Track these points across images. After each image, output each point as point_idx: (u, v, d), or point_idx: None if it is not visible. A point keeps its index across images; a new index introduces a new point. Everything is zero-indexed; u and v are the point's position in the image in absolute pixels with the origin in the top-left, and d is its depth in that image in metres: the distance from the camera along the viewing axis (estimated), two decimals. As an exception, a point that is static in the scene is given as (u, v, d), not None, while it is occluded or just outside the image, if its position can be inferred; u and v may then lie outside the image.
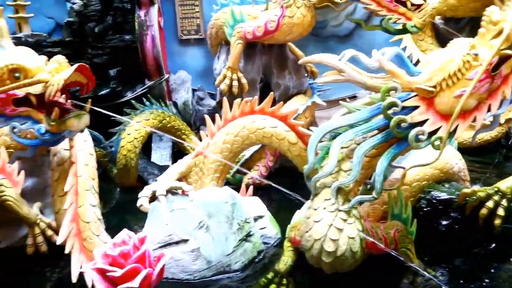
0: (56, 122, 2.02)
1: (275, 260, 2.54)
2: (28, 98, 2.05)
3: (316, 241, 1.98)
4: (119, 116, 3.42)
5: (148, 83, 4.51)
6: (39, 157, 2.91)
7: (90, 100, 2.23)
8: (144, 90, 4.44)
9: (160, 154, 4.33)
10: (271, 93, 2.91)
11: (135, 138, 3.69)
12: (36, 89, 2.03)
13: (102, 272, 1.55)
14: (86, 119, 2.12)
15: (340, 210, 1.99)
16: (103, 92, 4.41)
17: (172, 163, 4.39)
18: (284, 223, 2.76)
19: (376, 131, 2.01)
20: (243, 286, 2.40)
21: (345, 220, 1.98)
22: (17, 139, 2.12)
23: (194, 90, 4.79)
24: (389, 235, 2.22)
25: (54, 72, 2.02)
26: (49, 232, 2.76)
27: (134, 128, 3.68)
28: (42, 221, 2.75)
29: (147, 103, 3.88)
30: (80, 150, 2.36)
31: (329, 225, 1.97)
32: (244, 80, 3.74)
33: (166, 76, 4.59)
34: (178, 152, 4.49)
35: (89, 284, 2.24)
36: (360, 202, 2.10)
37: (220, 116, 2.97)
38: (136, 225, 3.46)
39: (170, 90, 4.68)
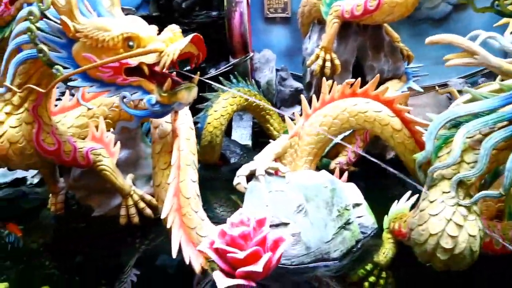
0: (168, 94, 1.96)
1: (373, 251, 2.43)
2: (140, 67, 2.00)
3: (431, 236, 1.84)
4: (227, 88, 3.38)
5: (233, 60, 4.44)
6: (133, 129, 2.92)
7: (198, 72, 2.16)
8: (229, 68, 4.38)
9: (241, 133, 4.27)
10: (377, 75, 2.75)
11: (221, 116, 3.64)
12: (149, 59, 1.97)
13: (219, 252, 1.48)
14: (195, 92, 2.06)
15: (460, 205, 1.84)
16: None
17: (252, 143, 4.34)
18: (374, 213, 2.66)
19: (506, 122, 1.83)
20: (341, 276, 2.29)
21: (465, 217, 1.83)
22: (126, 109, 2.08)
23: (277, 70, 4.68)
24: (507, 235, 2.05)
25: (168, 42, 1.96)
26: (142, 205, 2.77)
27: (221, 105, 3.63)
28: (135, 193, 2.76)
29: (234, 80, 3.81)
30: (182, 123, 2.32)
31: (447, 220, 1.82)
32: (337, 62, 3.58)
33: (251, 54, 4.50)
34: (258, 132, 4.42)
35: (186, 260, 2.22)
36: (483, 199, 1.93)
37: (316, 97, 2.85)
38: (216, 203, 3.45)
39: (254, 69, 4.59)
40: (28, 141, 2.44)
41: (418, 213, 1.97)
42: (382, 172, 3.74)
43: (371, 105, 2.69)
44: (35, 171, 3.63)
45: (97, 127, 2.74)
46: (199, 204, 2.30)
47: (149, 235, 2.82)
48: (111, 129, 2.80)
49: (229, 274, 1.46)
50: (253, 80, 4.51)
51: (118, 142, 2.78)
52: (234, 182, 2.44)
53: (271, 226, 2.28)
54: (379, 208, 2.64)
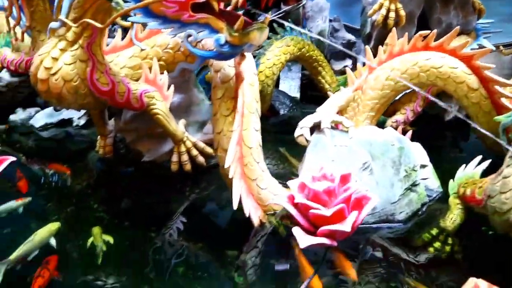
0: (239, 34, 1.80)
1: (439, 216, 2.28)
2: (209, 4, 1.84)
3: None
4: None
5: (284, 7, 4.20)
6: (187, 72, 2.78)
7: (270, 12, 1.99)
8: (280, 15, 4.16)
9: (289, 84, 4.10)
10: (456, 28, 2.51)
11: (274, 64, 3.46)
12: (220, -6, 1.81)
13: (299, 207, 1.36)
14: (266, 33, 1.89)
15: (551, 173, 1.67)
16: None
17: (300, 95, 4.17)
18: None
19: None
20: (404, 239, 2.17)
21: (556, 187, 1.66)
22: (191, 49, 1.93)
23: (330, 21, 4.43)
24: None
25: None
26: (194, 152, 2.68)
27: (274, 53, 3.45)
28: (188, 139, 2.66)
29: (288, 28, 3.60)
30: (246, 68, 2.16)
31: None
32: (402, 12, 3.32)
33: (304, 1, 4.26)
34: (306, 84, 4.25)
35: (246, 212, 2.13)
36: None
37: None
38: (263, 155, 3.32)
39: (306, 17, 4.35)
40: (83, 80, 2.34)
41: (500, 180, 1.80)
42: (438, 133, 3.57)
43: (446, 60, 2.47)
44: (82, 112, 3.57)
45: (150, 68, 2.61)
46: (260, 154, 2.19)
47: (200, 183, 2.74)
48: (165, 72, 2.66)
49: (308, 231, 1.34)
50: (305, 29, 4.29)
51: (172, 86, 2.65)
52: (296, 134, 2.30)
53: (335, 182, 2.18)
54: (438, 171, 2.48)
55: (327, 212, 1.29)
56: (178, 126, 2.62)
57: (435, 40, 2.53)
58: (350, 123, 2.35)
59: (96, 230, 2.23)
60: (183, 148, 2.63)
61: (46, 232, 2.10)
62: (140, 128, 2.72)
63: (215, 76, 2.21)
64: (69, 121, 3.61)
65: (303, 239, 1.29)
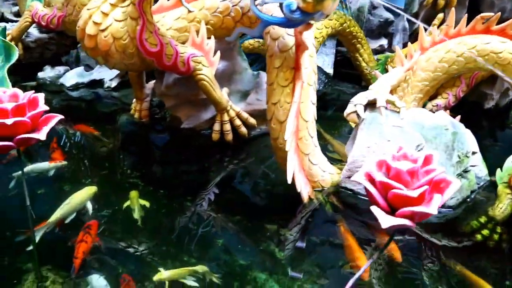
0: (313, 0, 1.72)
1: (487, 204, 2.24)
2: (281, -34, 1.75)
3: None
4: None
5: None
6: (232, 40, 2.69)
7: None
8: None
9: (322, 59, 3.99)
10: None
11: (315, 38, 3.34)
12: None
13: (378, 186, 1.31)
14: (337, 2, 1.81)
15: None
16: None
17: (334, 72, 4.07)
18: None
19: None
20: (453, 225, 2.14)
21: None
22: (258, 13, 1.85)
23: (368, -3, 4.29)
24: None
25: None
26: (237, 122, 2.61)
27: (316, 26, 3.34)
28: (232, 108, 2.59)
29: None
30: (306, 38, 2.08)
31: None
32: (454, -8, 3.22)
33: (345, -25, 4.12)
34: (340, 61, 4.15)
35: (298, 187, 2.08)
36: None
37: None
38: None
39: (345, -9, 4.22)
40: (132, 39, 2.26)
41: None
42: (475, 121, 3.49)
43: (508, 45, 2.38)
44: (114, 74, 3.48)
45: (197, 32, 2.52)
46: (315, 129, 2.13)
47: (240, 154, 2.68)
48: (212, 37, 2.57)
49: (385, 211, 1.29)
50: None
51: (218, 52, 2.57)
52: (348, 111, 2.23)
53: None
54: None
55: (412, 193, 1.23)
56: (222, 94, 2.55)
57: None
58: (402, 103, 2.28)
59: (133, 194, 2.20)
60: (226, 117, 2.56)
61: (83, 195, 2.06)
62: (182, 94, 2.65)
63: (272, 44, 2.12)
64: (99, 82, 3.53)
65: (385, 220, 1.24)
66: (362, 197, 2.18)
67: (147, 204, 2.15)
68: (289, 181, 1.97)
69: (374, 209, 1.29)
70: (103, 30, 2.21)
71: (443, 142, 2.19)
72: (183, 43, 2.52)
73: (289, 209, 2.23)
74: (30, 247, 1.77)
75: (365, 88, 2.73)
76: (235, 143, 2.65)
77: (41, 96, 1.50)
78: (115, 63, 2.34)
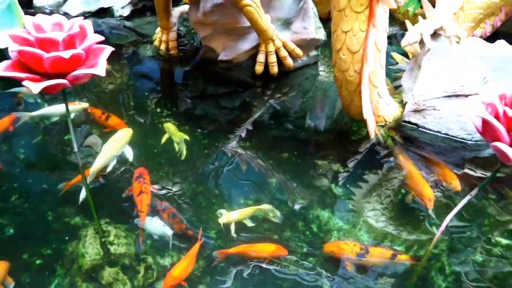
0: None
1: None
2: None
3: None
4: None
5: None
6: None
7: None
8: None
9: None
10: None
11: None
12: None
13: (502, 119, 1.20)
14: None
15: None
16: None
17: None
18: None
19: None
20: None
21: None
22: None
23: None
24: None
25: None
26: (283, 53, 2.42)
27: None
28: (278, 38, 2.39)
29: None
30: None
31: None
32: None
33: None
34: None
35: (370, 124, 1.97)
36: None
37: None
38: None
39: None
40: None
41: None
42: None
43: None
44: (125, 1, 3.17)
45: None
46: (384, 59, 1.99)
47: (282, 88, 2.51)
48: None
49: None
50: None
51: (262, -25, 2.33)
52: (410, 40, 2.08)
53: (458, 95, 2.03)
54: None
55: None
56: (268, 22, 2.34)
57: None
58: (464, 33, 2.16)
59: (169, 126, 2.08)
60: (271, 48, 2.37)
61: (120, 140, 1.86)
62: (219, 22, 2.42)
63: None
64: (108, 11, 3.20)
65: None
66: (426, 131, 2.10)
67: (187, 137, 2.03)
68: (366, 116, 1.85)
69: (498, 144, 1.18)
70: None
71: (509, 73, 2.10)
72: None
73: (339, 144, 2.15)
74: (80, 200, 1.65)
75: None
76: (268, 75, 2.47)
77: (89, 24, 1.27)
78: None
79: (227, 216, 1.66)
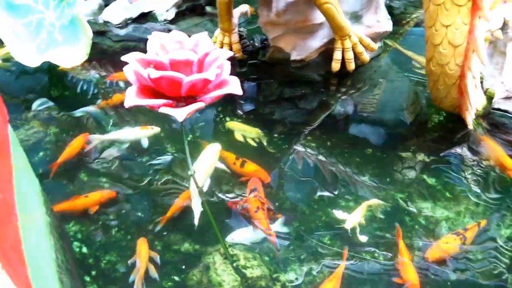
0: None
1: None
2: None
3: None
4: None
5: None
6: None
7: None
8: None
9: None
10: None
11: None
12: None
13: None
14: None
15: None
16: None
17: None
18: None
19: None
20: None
21: None
22: None
23: None
24: None
25: None
26: (360, 48, 2.41)
27: None
28: (354, 33, 2.38)
29: None
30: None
31: None
32: None
33: None
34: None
35: (470, 114, 1.99)
36: None
37: None
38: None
39: None
40: None
41: None
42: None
43: None
44: (170, 4, 3.09)
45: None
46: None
47: (356, 83, 2.50)
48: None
49: None
50: None
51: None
52: (491, 27, 2.12)
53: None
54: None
55: None
56: (345, 18, 2.32)
57: None
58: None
59: (236, 124, 2.16)
60: (348, 44, 2.35)
61: (207, 156, 1.71)
62: (292, 21, 2.39)
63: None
64: (149, 15, 3.11)
65: None
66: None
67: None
68: (470, 108, 1.88)
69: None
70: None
71: None
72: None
73: (420, 135, 2.17)
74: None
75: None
76: (339, 72, 2.46)
77: (205, 38, 1.22)
78: None
79: (351, 220, 1.66)
